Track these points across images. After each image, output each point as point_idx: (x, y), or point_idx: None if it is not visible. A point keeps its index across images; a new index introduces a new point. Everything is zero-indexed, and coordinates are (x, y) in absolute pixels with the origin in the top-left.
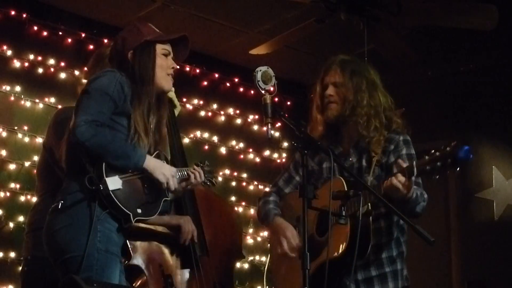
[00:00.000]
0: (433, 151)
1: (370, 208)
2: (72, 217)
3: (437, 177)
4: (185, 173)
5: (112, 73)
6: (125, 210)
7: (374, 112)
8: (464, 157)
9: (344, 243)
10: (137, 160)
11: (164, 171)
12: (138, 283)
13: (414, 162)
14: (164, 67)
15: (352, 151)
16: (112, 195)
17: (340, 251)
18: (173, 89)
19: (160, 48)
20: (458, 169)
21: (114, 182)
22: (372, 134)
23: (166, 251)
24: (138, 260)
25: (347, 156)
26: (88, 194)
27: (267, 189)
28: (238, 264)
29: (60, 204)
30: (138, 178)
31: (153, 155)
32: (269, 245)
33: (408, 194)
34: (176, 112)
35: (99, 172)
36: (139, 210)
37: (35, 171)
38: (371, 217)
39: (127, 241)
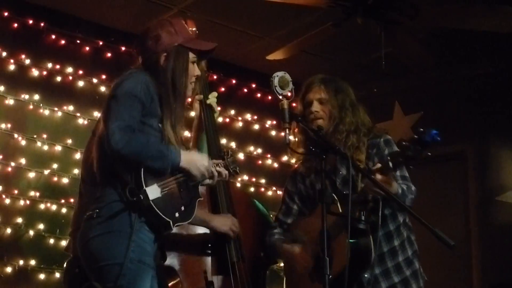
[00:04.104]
0: (403, 142)
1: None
2: (108, 226)
3: (411, 167)
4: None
5: (136, 74)
6: (165, 218)
7: (354, 128)
8: (431, 140)
9: (348, 254)
10: (174, 158)
11: (200, 167)
12: (170, 284)
13: (387, 158)
14: (191, 75)
15: (339, 165)
16: (153, 205)
17: (345, 262)
18: (215, 94)
19: (191, 56)
20: (429, 153)
21: (153, 191)
22: (349, 151)
23: (204, 256)
24: (172, 262)
25: (336, 170)
26: (125, 203)
27: (271, 224)
28: None
29: (95, 213)
30: (174, 182)
31: None
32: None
33: (392, 190)
34: (215, 116)
35: (138, 181)
36: (177, 215)
37: (54, 178)
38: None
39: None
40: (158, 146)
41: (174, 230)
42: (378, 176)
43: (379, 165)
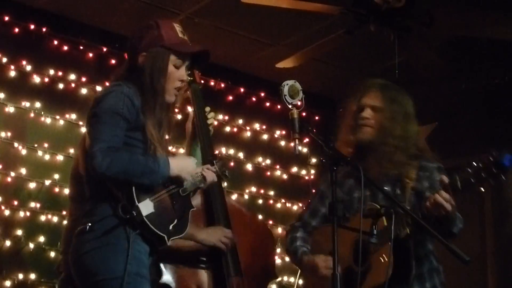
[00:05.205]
0: (474, 163)
1: (409, 232)
2: (103, 240)
3: (482, 189)
4: (200, 176)
5: (119, 87)
6: (160, 233)
7: (403, 144)
8: (510, 165)
9: (389, 270)
10: (163, 170)
11: (190, 170)
12: None
13: (458, 176)
14: (173, 79)
15: (384, 178)
16: (147, 221)
17: (384, 278)
18: (209, 108)
19: (173, 58)
20: (504, 177)
21: (146, 207)
22: (394, 168)
23: (200, 272)
24: (168, 279)
25: (380, 184)
26: (119, 218)
27: (293, 223)
28: None
29: (87, 227)
30: (166, 195)
31: None
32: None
33: (450, 211)
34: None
35: (130, 197)
36: (171, 229)
37: (56, 189)
38: (410, 242)
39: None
40: (144, 161)
41: (170, 244)
42: (444, 194)
43: (446, 180)
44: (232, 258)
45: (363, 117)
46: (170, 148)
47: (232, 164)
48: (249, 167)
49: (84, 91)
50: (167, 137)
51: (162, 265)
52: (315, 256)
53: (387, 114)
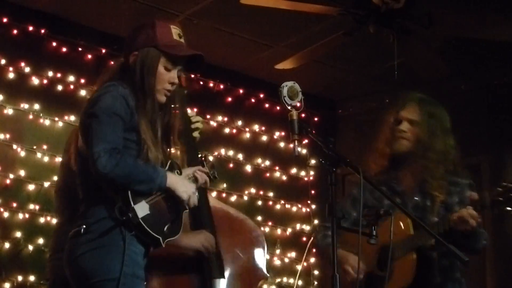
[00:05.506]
0: (504, 183)
1: (434, 243)
2: (99, 242)
3: (508, 208)
4: (193, 178)
5: (114, 87)
6: (155, 235)
7: (443, 158)
8: None
9: (410, 276)
10: (160, 181)
11: (185, 189)
12: None
13: (487, 194)
14: (163, 81)
15: (416, 190)
16: (143, 223)
17: (404, 284)
18: (194, 112)
19: (164, 60)
20: None
21: (142, 209)
22: (436, 181)
23: (186, 277)
24: (153, 285)
25: (411, 194)
26: (114, 220)
27: (324, 224)
28: (265, 286)
29: (82, 229)
30: (161, 197)
31: (167, 166)
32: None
33: (475, 227)
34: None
35: (126, 199)
36: (166, 231)
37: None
38: (434, 253)
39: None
40: (146, 169)
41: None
42: (471, 211)
43: (476, 197)
44: (217, 261)
45: (400, 130)
46: (172, 150)
47: (231, 165)
48: (248, 168)
49: (83, 92)
50: (171, 138)
51: (147, 272)
52: (349, 254)
53: (425, 128)
